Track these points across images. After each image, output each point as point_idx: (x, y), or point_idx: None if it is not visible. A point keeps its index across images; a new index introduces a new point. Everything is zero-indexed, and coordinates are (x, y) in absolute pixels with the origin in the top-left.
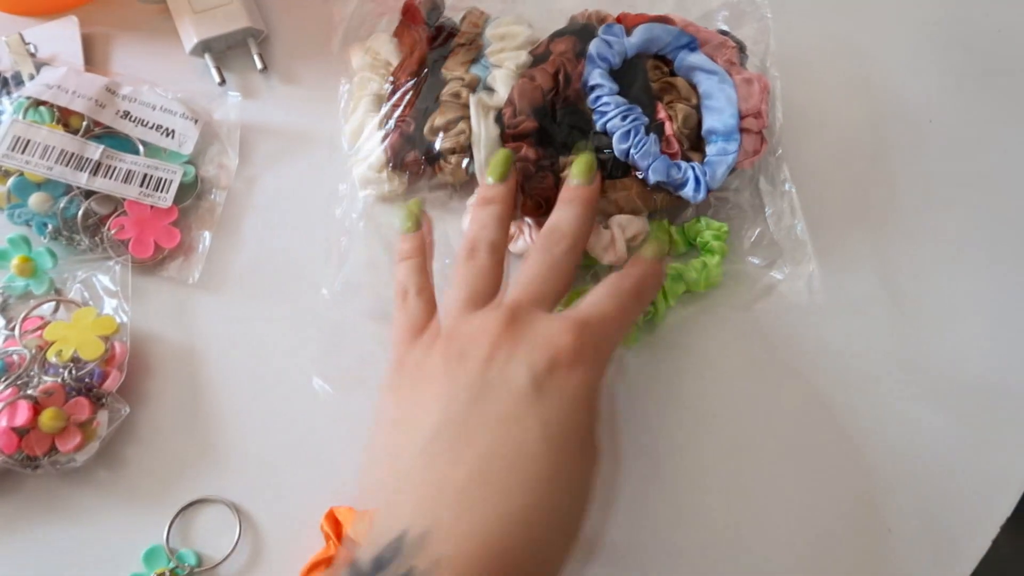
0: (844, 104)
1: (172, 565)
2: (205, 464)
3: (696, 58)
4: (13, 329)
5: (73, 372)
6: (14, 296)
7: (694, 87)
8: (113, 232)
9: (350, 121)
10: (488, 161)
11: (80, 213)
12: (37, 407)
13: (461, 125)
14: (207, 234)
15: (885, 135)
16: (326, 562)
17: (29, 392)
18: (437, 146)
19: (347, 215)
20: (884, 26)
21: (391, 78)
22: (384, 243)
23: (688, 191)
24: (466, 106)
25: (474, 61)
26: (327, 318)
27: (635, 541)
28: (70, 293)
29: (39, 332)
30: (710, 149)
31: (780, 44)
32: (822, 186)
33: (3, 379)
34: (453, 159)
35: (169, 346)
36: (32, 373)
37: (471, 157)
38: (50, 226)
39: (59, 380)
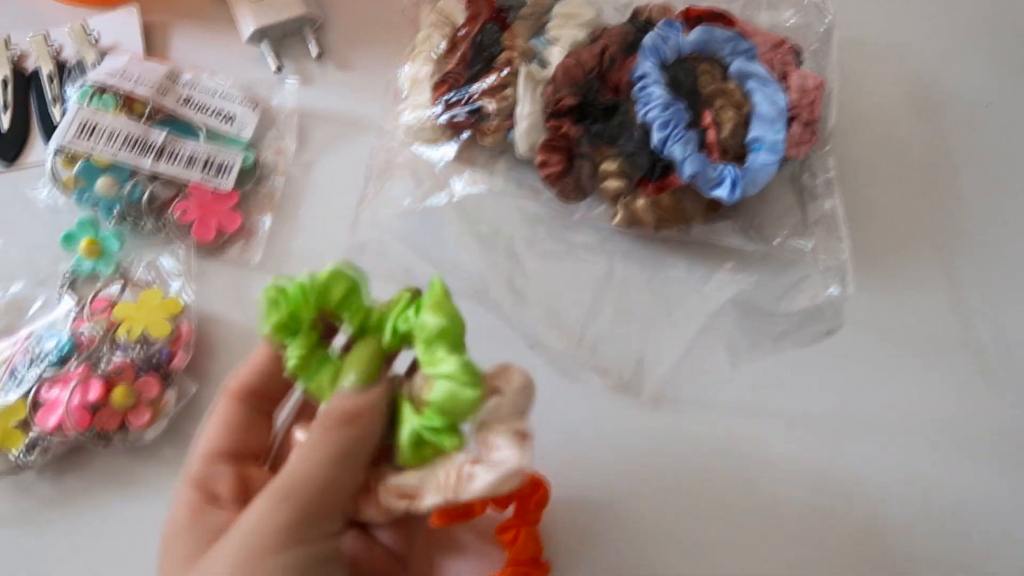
0: (898, 109)
1: None
2: None
3: (752, 66)
4: (82, 309)
5: (142, 351)
6: (82, 277)
7: (746, 95)
8: (176, 215)
9: (407, 71)
10: (528, 135)
11: (144, 197)
12: (108, 384)
13: (508, 92)
14: (267, 218)
15: (940, 136)
16: None
17: (100, 370)
18: (481, 109)
19: (383, 152)
20: (938, 22)
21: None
22: (416, 179)
23: (723, 191)
24: (516, 75)
25: (535, 35)
26: None
27: None
28: (135, 275)
29: (107, 312)
30: (752, 157)
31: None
32: (869, 191)
33: (74, 357)
34: (495, 124)
35: (232, 327)
36: (102, 352)
37: (514, 126)
38: (116, 209)
39: (129, 359)
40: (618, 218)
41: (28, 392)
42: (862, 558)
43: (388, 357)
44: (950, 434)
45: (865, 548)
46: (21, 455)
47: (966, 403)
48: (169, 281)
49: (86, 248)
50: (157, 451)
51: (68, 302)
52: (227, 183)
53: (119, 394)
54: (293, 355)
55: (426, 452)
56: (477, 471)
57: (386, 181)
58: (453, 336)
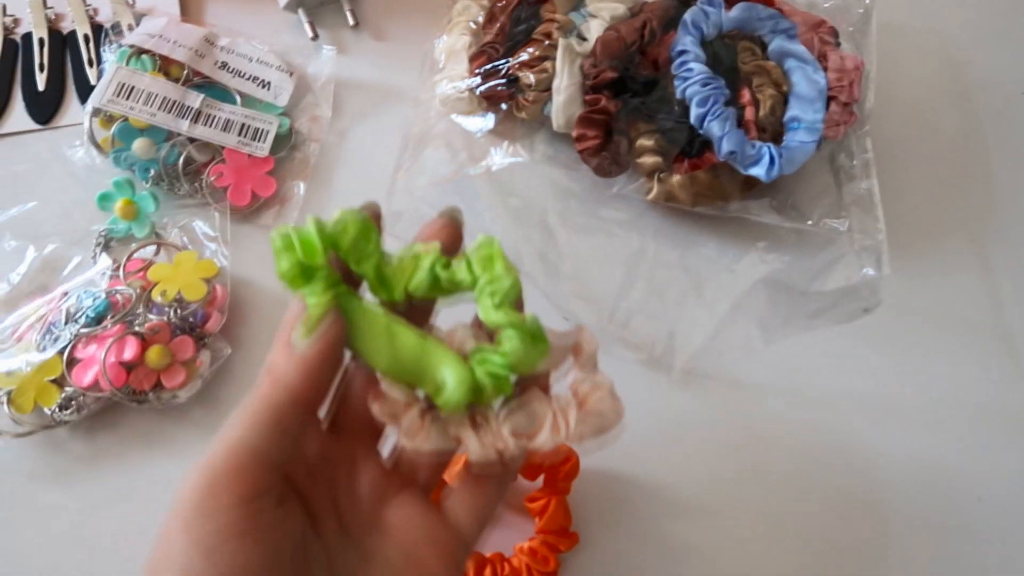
0: (934, 94)
1: None
2: None
3: (792, 45)
4: (118, 270)
5: (177, 312)
6: (117, 238)
7: (785, 74)
8: (212, 179)
9: (444, 42)
10: (565, 108)
11: (181, 160)
12: (144, 344)
13: (546, 65)
14: (301, 184)
15: (974, 122)
16: None
17: (136, 329)
18: (518, 81)
19: (420, 122)
20: (976, 9)
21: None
22: (452, 150)
23: (760, 170)
24: (555, 47)
25: (574, 8)
26: None
27: None
28: (170, 237)
29: (142, 273)
30: (790, 136)
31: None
32: (903, 174)
33: (109, 317)
34: (532, 96)
35: (265, 292)
36: (138, 312)
37: (551, 99)
38: (152, 171)
39: (164, 319)
40: (653, 194)
41: (63, 349)
42: (886, 537)
43: (412, 307)
44: (979, 418)
45: (889, 528)
46: (56, 411)
47: (995, 387)
48: (204, 244)
49: (122, 209)
50: (189, 412)
51: (104, 262)
52: (263, 149)
53: (154, 353)
54: (313, 301)
55: (478, 398)
56: (582, 419)
57: (422, 151)
58: (518, 291)
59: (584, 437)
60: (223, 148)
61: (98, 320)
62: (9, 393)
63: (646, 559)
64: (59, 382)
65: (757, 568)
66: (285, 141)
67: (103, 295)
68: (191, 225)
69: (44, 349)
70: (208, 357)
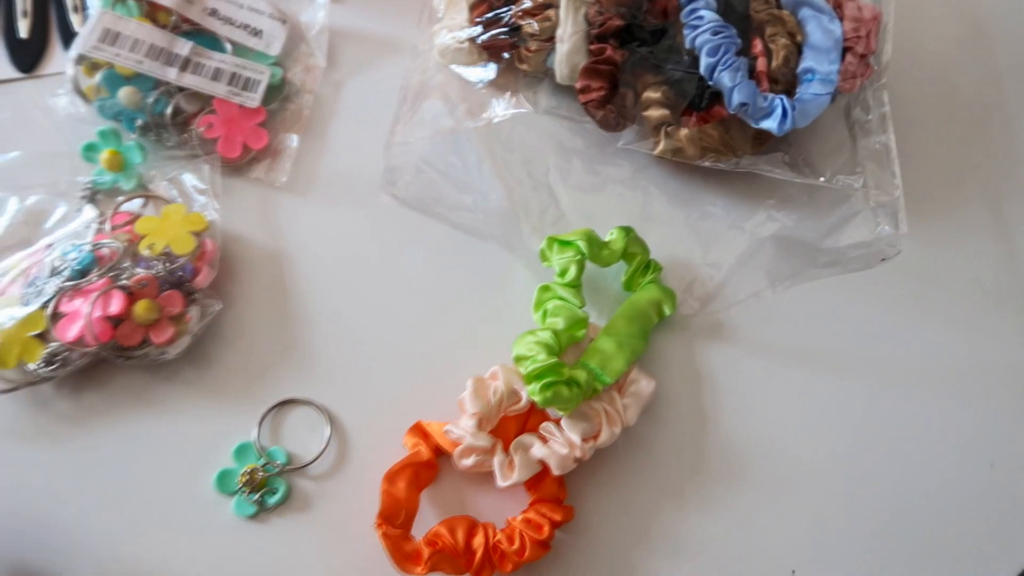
0: (953, 49)
1: (263, 462)
2: (292, 366)
3: None
4: (103, 223)
5: (165, 267)
6: (102, 190)
7: (799, 23)
8: (202, 130)
9: None
10: (569, 58)
11: (169, 109)
12: (131, 298)
13: (549, 13)
14: (294, 137)
15: (994, 80)
16: (416, 466)
17: (123, 283)
18: (520, 30)
19: (418, 73)
20: None
21: None
22: (451, 102)
23: (772, 123)
24: None
25: None
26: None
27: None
28: (158, 190)
29: (129, 227)
30: (804, 88)
31: None
32: (920, 130)
33: (95, 270)
34: (535, 46)
35: (256, 248)
36: (124, 265)
37: (554, 49)
38: (139, 121)
39: (152, 273)
40: (660, 148)
41: (47, 303)
42: (895, 501)
43: None
44: (994, 383)
45: (898, 492)
46: (39, 367)
47: (1011, 352)
48: (193, 196)
49: (107, 160)
50: (178, 370)
51: (89, 214)
52: (254, 99)
53: (142, 308)
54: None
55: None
56: (628, 402)
57: (421, 103)
58: None
59: (634, 419)
60: (212, 98)
61: (83, 274)
62: None
63: (641, 541)
64: (43, 337)
65: (760, 550)
66: (277, 92)
67: (88, 248)
68: (179, 178)
69: (27, 303)
70: (198, 313)
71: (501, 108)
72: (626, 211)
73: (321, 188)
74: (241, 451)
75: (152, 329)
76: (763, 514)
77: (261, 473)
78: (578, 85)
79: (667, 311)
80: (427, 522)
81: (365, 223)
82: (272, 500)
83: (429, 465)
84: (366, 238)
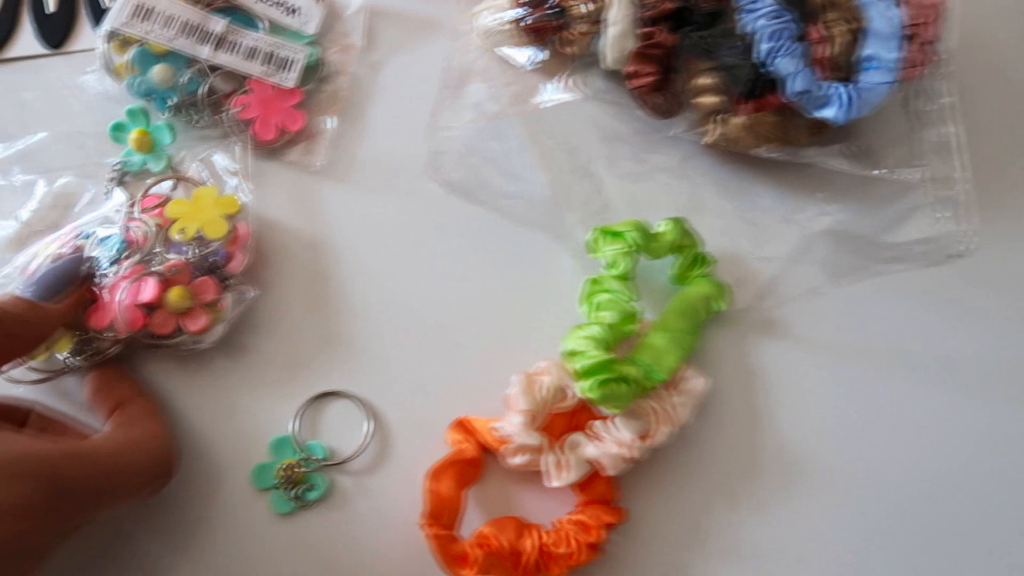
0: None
1: (301, 456)
2: (330, 357)
3: None
4: (133, 206)
5: (197, 252)
6: (131, 172)
7: (859, 9)
8: (236, 110)
9: None
10: (617, 42)
11: (203, 89)
12: (163, 284)
13: None
14: (331, 119)
15: None
16: (461, 464)
17: (155, 269)
18: (566, 12)
19: (459, 55)
20: None
21: None
22: (494, 87)
23: (831, 112)
24: None
25: None
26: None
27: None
28: (188, 171)
29: (159, 210)
30: (864, 76)
31: None
32: (988, 120)
33: (125, 255)
34: (581, 30)
35: (291, 233)
36: (155, 251)
37: (601, 32)
38: (171, 101)
39: (184, 259)
40: (712, 136)
41: None
42: (957, 513)
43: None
44: None
45: (960, 503)
46: (70, 356)
47: None
48: (225, 179)
49: (136, 140)
50: (211, 359)
51: (118, 197)
52: (289, 79)
53: (175, 295)
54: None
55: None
56: (681, 401)
57: (463, 87)
58: None
59: (688, 418)
60: (247, 78)
61: (115, 260)
62: None
63: (693, 544)
64: (73, 325)
65: (816, 555)
66: (314, 73)
67: (118, 232)
68: (210, 159)
69: None
70: (232, 300)
71: (550, 93)
72: (673, 201)
73: (359, 173)
74: (278, 445)
75: (185, 317)
76: (820, 518)
77: (300, 468)
78: (627, 70)
79: (719, 306)
80: (470, 522)
81: (405, 210)
82: (311, 496)
83: (474, 463)
84: (406, 225)
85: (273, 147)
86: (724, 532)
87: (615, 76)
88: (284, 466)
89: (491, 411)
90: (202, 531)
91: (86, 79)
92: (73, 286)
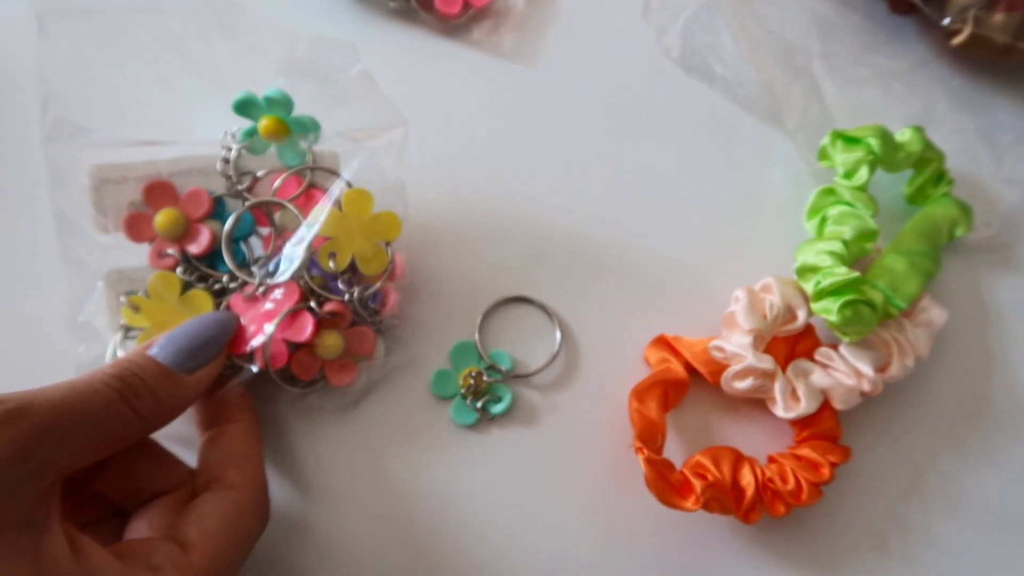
0: None
1: (485, 365)
2: (516, 263)
3: None
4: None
5: (354, 292)
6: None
7: None
8: None
9: None
10: None
11: None
12: (319, 325)
13: None
14: None
15: None
16: (667, 384)
17: (311, 306)
18: None
19: None
20: None
21: None
22: None
23: None
24: None
25: None
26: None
27: None
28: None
29: (303, 199)
30: None
31: None
32: None
33: (257, 265)
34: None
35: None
36: (304, 275)
37: None
38: None
39: (343, 299)
40: (962, 36)
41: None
42: None
43: None
44: None
45: None
46: None
47: None
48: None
49: (268, 127)
50: (343, 413)
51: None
52: None
53: (330, 342)
54: None
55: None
56: (919, 333)
57: None
58: None
59: (926, 352)
60: None
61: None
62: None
63: (914, 493)
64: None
65: None
66: None
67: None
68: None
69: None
70: (382, 349)
71: None
72: (902, 112)
73: (547, 56)
74: (460, 351)
75: (330, 365)
76: None
77: (485, 378)
78: None
79: (961, 231)
80: (670, 451)
81: (603, 103)
82: (496, 409)
83: (680, 384)
84: (604, 121)
85: (457, 22)
86: (948, 484)
87: None
88: (469, 373)
89: (691, 331)
90: (382, 437)
91: None
92: (216, 352)
